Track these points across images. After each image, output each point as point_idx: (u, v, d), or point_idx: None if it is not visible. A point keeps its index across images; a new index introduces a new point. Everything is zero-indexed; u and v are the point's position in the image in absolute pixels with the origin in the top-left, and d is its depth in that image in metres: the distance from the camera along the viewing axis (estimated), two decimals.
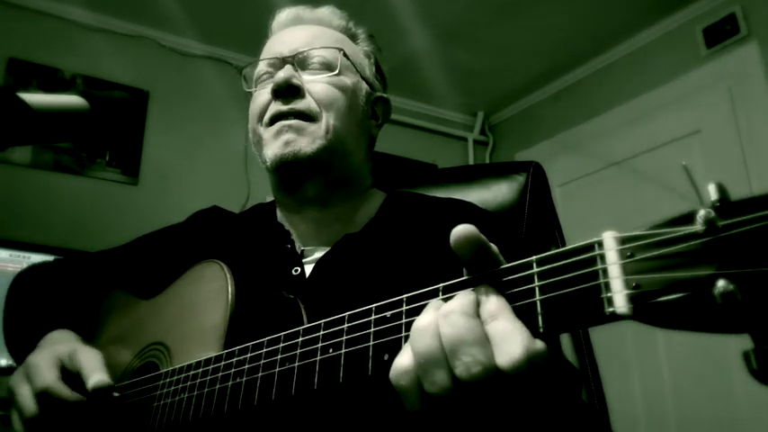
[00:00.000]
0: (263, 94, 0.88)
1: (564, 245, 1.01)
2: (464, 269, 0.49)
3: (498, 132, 3.56)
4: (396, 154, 3.17)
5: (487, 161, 3.50)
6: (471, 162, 3.48)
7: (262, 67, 0.91)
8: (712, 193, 0.37)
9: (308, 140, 0.82)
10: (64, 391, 0.71)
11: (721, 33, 2.47)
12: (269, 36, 0.98)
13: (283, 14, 0.96)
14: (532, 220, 0.99)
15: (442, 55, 2.95)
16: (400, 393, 0.46)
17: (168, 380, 0.71)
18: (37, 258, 1.90)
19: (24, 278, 1.03)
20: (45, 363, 0.73)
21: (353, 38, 0.98)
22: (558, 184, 2.95)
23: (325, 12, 0.96)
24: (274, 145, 0.83)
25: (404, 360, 0.46)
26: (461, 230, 0.47)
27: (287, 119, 0.83)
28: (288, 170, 0.84)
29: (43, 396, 0.70)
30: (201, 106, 2.83)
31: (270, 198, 1.04)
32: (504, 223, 0.97)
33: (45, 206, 2.40)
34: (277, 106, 0.84)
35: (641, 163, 2.69)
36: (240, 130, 2.83)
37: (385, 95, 0.99)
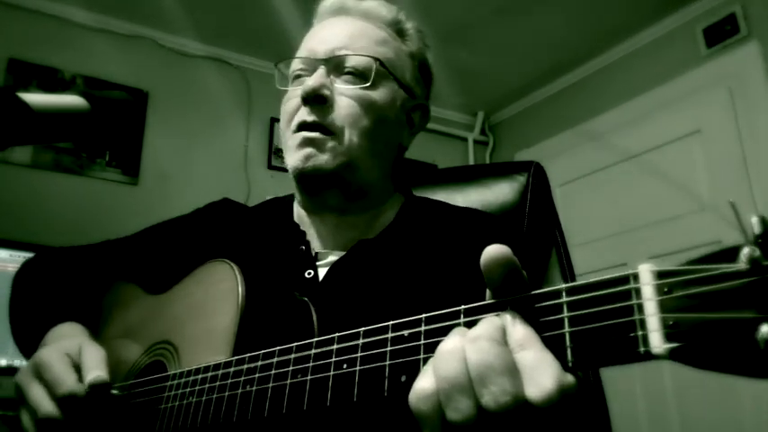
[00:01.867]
0: (293, 98, 0.86)
1: (564, 245, 1.01)
2: (488, 291, 0.46)
3: (498, 132, 3.56)
4: None
5: (487, 161, 3.50)
6: (471, 162, 3.48)
7: (296, 64, 0.89)
8: (755, 226, 0.34)
9: (329, 156, 0.81)
10: (83, 391, 0.70)
11: (721, 33, 2.47)
12: (313, 23, 0.94)
13: (328, 2, 0.92)
14: (533, 220, 0.99)
15: (442, 55, 2.94)
16: (420, 419, 0.43)
17: (176, 381, 0.70)
18: None
19: (31, 267, 1.02)
20: (60, 363, 0.72)
21: (401, 33, 0.92)
22: (559, 184, 2.95)
23: (373, 4, 0.91)
24: (295, 156, 0.83)
25: (425, 384, 0.43)
26: (495, 252, 0.43)
27: (309, 130, 0.82)
28: (308, 181, 0.84)
29: (67, 400, 0.69)
30: (201, 106, 2.83)
31: (269, 197, 1.03)
32: (523, 235, 0.95)
33: (45, 206, 2.40)
34: (303, 115, 0.83)
35: (642, 163, 2.69)
36: (240, 130, 2.83)
37: (424, 103, 0.94)
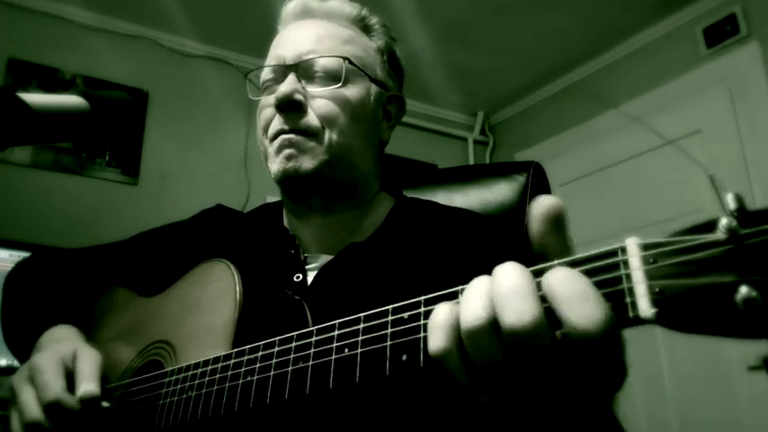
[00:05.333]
0: (267, 105, 0.87)
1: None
2: None
3: (498, 132, 3.56)
4: (396, 154, 3.18)
5: (487, 161, 3.50)
6: (471, 162, 3.48)
7: (266, 72, 0.89)
8: (730, 202, 0.38)
9: (309, 157, 0.81)
10: (69, 400, 0.70)
11: (721, 33, 2.47)
12: (277, 28, 0.94)
13: (291, 5, 0.92)
14: None
15: (442, 55, 2.95)
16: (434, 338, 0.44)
17: (174, 377, 0.70)
18: None
19: (23, 270, 1.02)
20: (51, 369, 0.72)
21: (367, 30, 0.93)
22: (558, 184, 2.95)
23: (336, 3, 0.91)
24: (277, 160, 0.83)
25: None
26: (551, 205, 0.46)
27: (288, 134, 0.82)
28: (291, 184, 0.84)
29: (52, 407, 0.70)
30: (201, 106, 2.83)
31: (270, 198, 1.03)
32: (514, 235, 0.95)
33: (45, 206, 2.40)
34: (279, 123, 0.83)
35: (641, 163, 2.69)
36: (240, 130, 2.83)
37: (398, 94, 0.94)
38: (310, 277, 0.82)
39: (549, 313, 0.41)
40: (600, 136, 2.89)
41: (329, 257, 0.83)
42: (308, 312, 0.70)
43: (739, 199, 0.38)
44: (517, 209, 1.00)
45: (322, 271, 0.82)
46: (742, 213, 0.37)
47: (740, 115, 2.37)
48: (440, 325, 0.44)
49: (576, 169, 2.96)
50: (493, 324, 0.42)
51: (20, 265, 1.03)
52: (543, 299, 0.42)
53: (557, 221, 0.46)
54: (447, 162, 3.33)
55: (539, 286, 0.43)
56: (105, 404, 0.73)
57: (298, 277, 0.82)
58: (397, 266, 0.79)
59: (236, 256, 0.80)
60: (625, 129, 2.77)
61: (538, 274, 0.44)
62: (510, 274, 0.43)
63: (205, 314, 0.74)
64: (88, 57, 2.62)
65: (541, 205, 0.46)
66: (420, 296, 0.50)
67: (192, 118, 2.81)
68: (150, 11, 2.64)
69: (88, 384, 0.70)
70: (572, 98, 3.10)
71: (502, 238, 0.83)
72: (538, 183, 1.03)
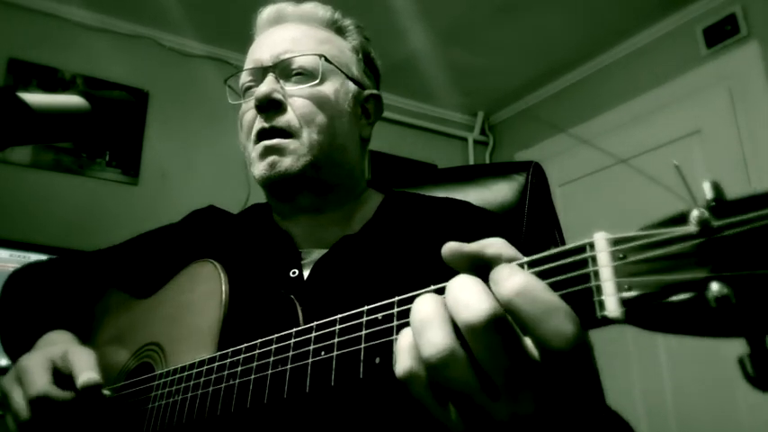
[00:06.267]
0: (248, 109, 0.88)
1: (564, 245, 1.01)
2: None
3: (498, 132, 3.56)
4: (396, 154, 3.17)
5: (487, 161, 3.50)
6: (471, 162, 3.48)
7: (245, 76, 0.91)
8: (707, 191, 0.35)
9: (292, 159, 0.82)
10: (57, 393, 0.70)
11: (721, 33, 2.47)
12: (254, 35, 0.96)
13: (265, 12, 0.94)
14: (532, 220, 0.99)
15: (442, 55, 2.95)
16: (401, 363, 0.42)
17: (162, 381, 0.71)
18: (37, 258, 1.90)
19: (20, 277, 1.02)
20: (37, 367, 0.72)
21: (341, 31, 0.95)
22: (558, 184, 2.95)
23: (310, 7, 0.94)
24: (260, 166, 0.84)
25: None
26: (445, 251, 0.45)
27: (269, 138, 0.83)
28: (276, 187, 0.85)
29: (37, 401, 0.70)
30: (201, 106, 2.83)
31: None
32: (502, 221, 0.95)
33: (45, 206, 2.40)
34: (260, 123, 0.84)
35: (641, 163, 2.69)
36: None
37: (375, 92, 0.96)
38: (306, 272, 0.82)
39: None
40: (600, 136, 2.89)
41: (323, 251, 0.84)
42: (299, 310, 0.70)
43: (716, 188, 0.35)
44: (517, 209, 1.00)
45: (318, 264, 0.82)
46: (719, 203, 0.35)
47: (740, 115, 2.37)
48: (405, 347, 0.42)
49: (576, 169, 2.96)
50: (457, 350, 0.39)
51: (18, 271, 1.03)
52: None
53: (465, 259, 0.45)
54: (447, 162, 3.33)
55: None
56: (106, 392, 0.73)
57: (294, 273, 0.82)
58: (391, 256, 0.80)
59: (229, 256, 0.80)
60: (625, 129, 2.77)
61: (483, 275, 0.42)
62: (458, 285, 0.41)
63: (192, 316, 0.74)
64: (88, 57, 2.62)
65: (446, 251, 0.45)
66: (414, 284, 0.50)
67: (193, 118, 2.81)
68: (150, 11, 2.64)
69: (88, 372, 0.70)
70: (572, 98, 3.10)
71: (486, 222, 0.84)
72: (537, 183, 1.03)
